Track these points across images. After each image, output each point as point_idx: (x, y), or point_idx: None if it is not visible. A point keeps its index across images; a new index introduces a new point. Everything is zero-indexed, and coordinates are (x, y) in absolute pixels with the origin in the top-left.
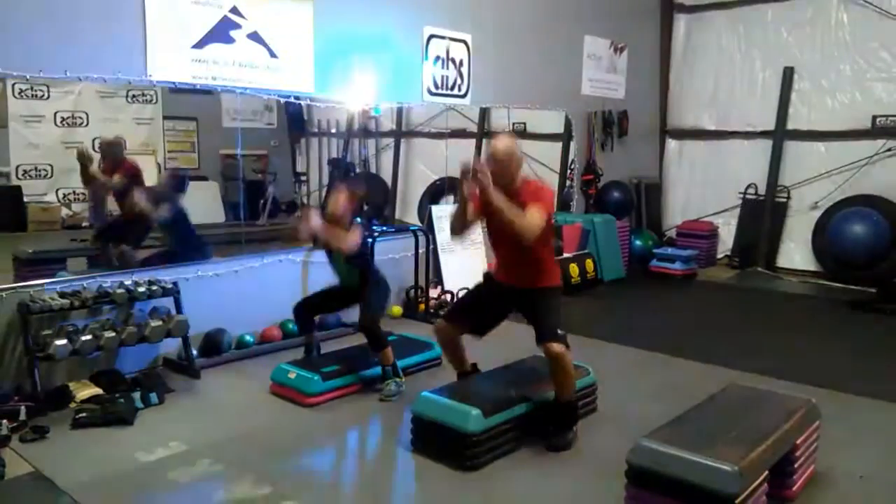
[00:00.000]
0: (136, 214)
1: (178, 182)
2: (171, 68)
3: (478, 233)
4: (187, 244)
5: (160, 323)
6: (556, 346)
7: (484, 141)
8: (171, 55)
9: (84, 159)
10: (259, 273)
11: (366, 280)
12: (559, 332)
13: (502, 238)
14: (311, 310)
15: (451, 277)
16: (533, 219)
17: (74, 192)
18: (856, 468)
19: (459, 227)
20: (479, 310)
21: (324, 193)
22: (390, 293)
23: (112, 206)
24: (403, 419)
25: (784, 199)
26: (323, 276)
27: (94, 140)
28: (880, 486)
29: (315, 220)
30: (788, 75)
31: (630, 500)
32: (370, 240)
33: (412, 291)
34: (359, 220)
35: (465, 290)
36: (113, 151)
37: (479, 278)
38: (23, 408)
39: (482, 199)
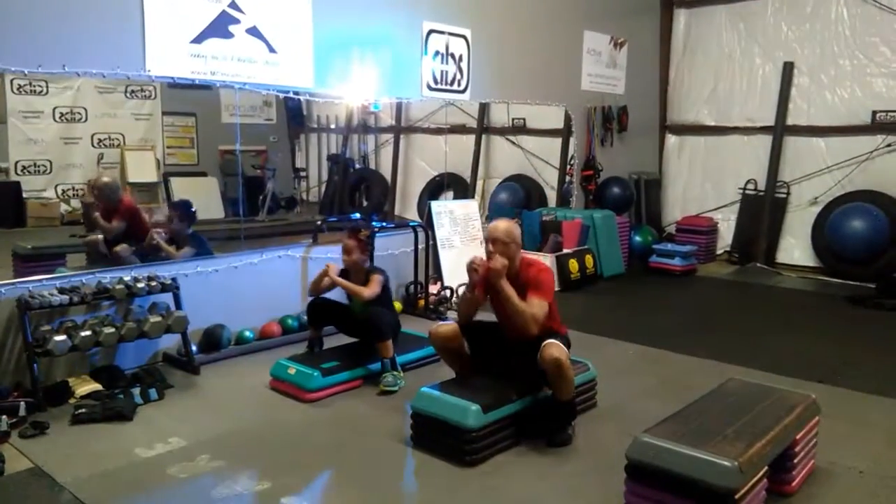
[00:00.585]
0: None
1: (187, 214)
2: (169, 63)
3: (477, 227)
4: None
5: (159, 319)
6: (556, 351)
7: (483, 137)
8: (169, 50)
9: (90, 207)
10: (258, 269)
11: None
12: (559, 342)
13: (507, 316)
14: (325, 313)
15: (450, 273)
16: (536, 312)
17: (73, 188)
18: (855, 463)
19: (468, 315)
20: (487, 349)
21: (323, 189)
22: (399, 326)
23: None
24: (403, 415)
25: (784, 195)
26: None
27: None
28: (880, 481)
29: (335, 276)
30: (788, 70)
31: (629, 495)
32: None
33: (412, 287)
34: (377, 267)
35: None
36: (107, 195)
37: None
38: (22, 403)
39: (490, 286)
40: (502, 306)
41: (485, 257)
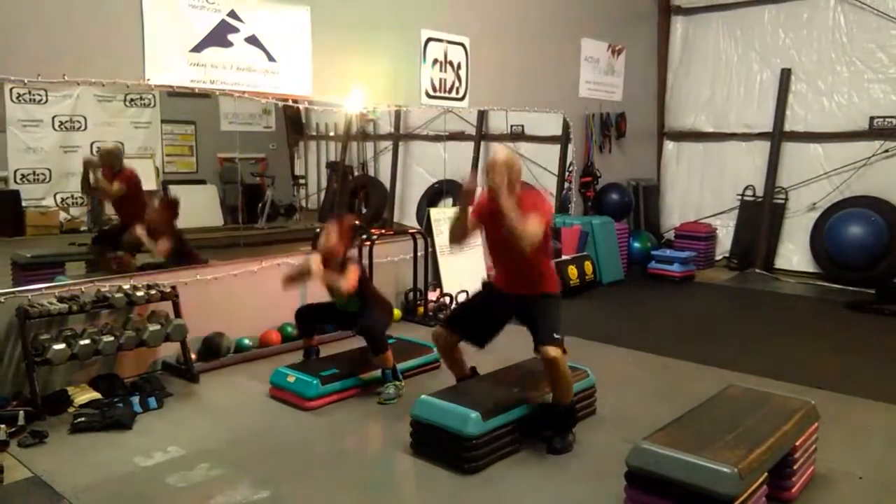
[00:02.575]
0: (134, 224)
1: (172, 206)
2: (168, 72)
3: (475, 234)
4: (181, 256)
5: (159, 327)
6: (552, 350)
7: (482, 144)
8: (168, 59)
9: (90, 167)
10: (257, 277)
11: (366, 304)
12: (556, 336)
13: (501, 247)
14: (313, 315)
15: (449, 280)
16: (533, 226)
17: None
18: (855, 469)
19: (459, 235)
20: (478, 317)
21: (322, 196)
22: (393, 314)
23: (110, 211)
24: (402, 422)
25: (782, 201)
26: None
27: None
28: (879, 488)
29: (314, 267)
30: (786, 77)
31: (629, 502)
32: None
33: (411, 294)
34: (354, 252)
35: (464, 293)
36: (111, 159)
37: (478, 283)
38: (21, 412)
39: (489, 204)
40: (498, 239)
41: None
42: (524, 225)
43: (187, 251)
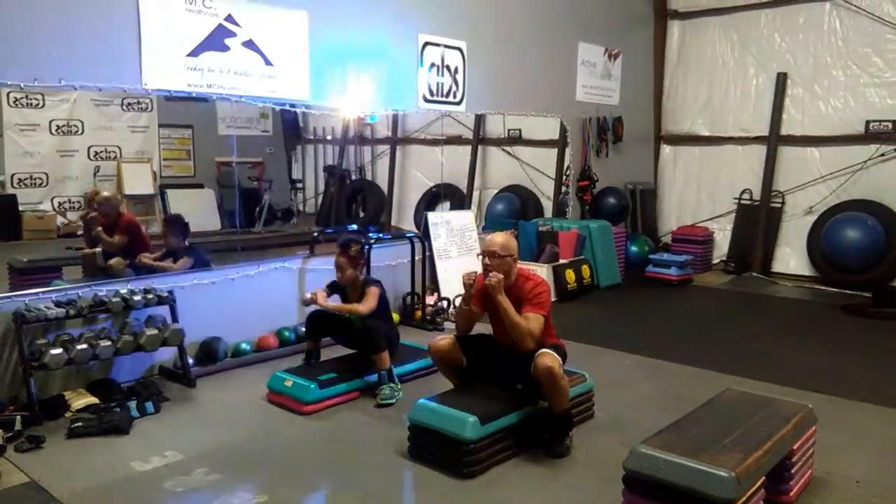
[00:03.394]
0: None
1: (181, 228)
2: (165, 76)
3: (473, 238)
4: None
5: (156, 332)
6: (548, 360)
7: (480, 148)
8: (165, 63)
9: (88, 223)
10: (255, 281)
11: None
12: (551, 350)
13: (503, 325)
14: (323, 324)
15: (447, 284)
16: (533, 326)
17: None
18: (852, 473)
19: (465, 328)
20: (485, 358)
21: (320, 200)
22: (398, 341)
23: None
24: (400, 426)
25: (779, 204)
26: (319, 283)
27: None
28: (877, 491)
29: (325, 301)
30: (782, 81)
31: None
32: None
33: (408, 298)
34: (370, 278)
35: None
36: (108, 209)
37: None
38: (18, 417)
39: (488, 301)
40: (499, 318)
41: (480, 271)
42: (524, 326)
43: (202, 259)
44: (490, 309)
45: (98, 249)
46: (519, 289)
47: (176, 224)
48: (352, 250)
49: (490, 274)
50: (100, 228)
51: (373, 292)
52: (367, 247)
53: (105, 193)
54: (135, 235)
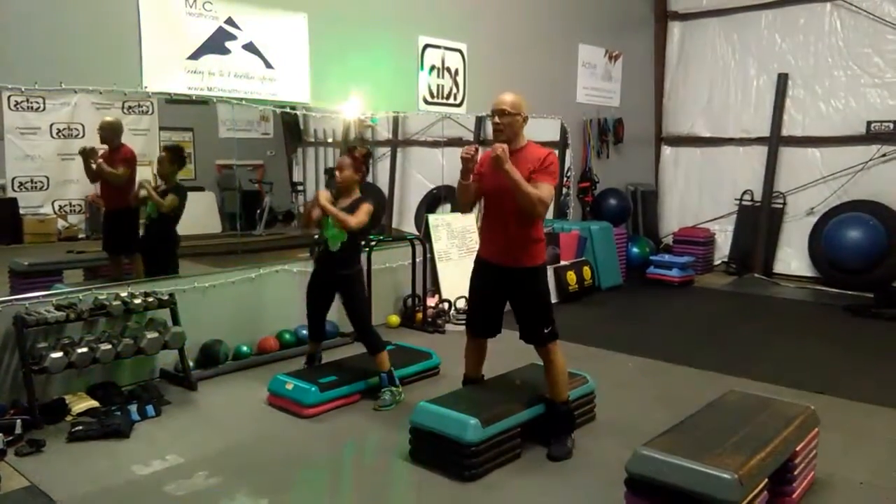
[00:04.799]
0: (129, 207)
1: (178, 157)
2: (166, 79)
3: (474, 240)
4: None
5: (157, 335)
6: (545, 338)
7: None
8: (166, 66)
9: (87, 155)
10: (256, 284)
11: (349, 253)
12: (548, 326)
13: (497, 212)
14: (318, 313)
15: (448, 286)
16: (544, 194)
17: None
18: (856, 475)
19: (464, 204)
20: (484, 311)
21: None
22: (364, 282)
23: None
24: (402, 429)
25: (780, 205)
26: None
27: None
28: (880, 493)
29: (327, 203)
30: (783, 82)
31: None
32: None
33: (409, 300)
34: (369, 194)
35: (462, 299)
36: (112, 135)
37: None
38: (19, 421)
39: (492, 175)
40: (498, 193)
41: (477, 147)
42: (532, 192)
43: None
44: (490, 182)
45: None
46: (529, 156)
47: (174, 151)
48: (356, 152)
49: (495, 145)
50: (100, 160)
51: (364, 209)
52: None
53: (107, 118)
54: (134, 169)
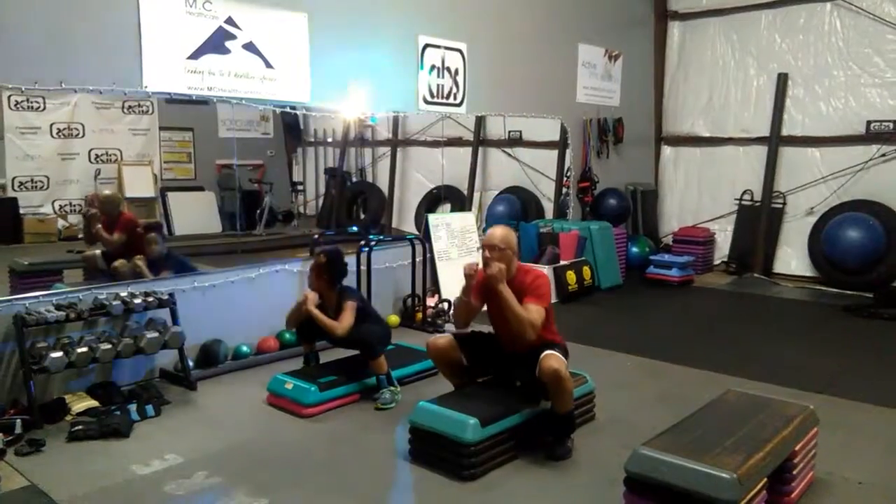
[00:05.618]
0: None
1: (163, 236)
2: (166, 79)
3: (474, 240)
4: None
5: (156, 334)
6: (554, 362)
7: (480, 149)
8: (166, 66)
9: (90, 219)
10: (255, 283)
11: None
12: (557, 351)
13: (503, 319)
14: (313, 329)
15: (447, 286)
16: (534, 317)
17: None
18: (854, 474)
19: (465, 320)
20: (484, 355)
21: (320, 202)
22: (389, 332)
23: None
24: (401, 429)
25: (780, 205)
26: None
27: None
28: (879, 492)
29: (312, 307)
30: (782, 81)
31: None
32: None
33: (409, 300)
34: (348, 291)
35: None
36: (110, 208)
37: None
38: (18, 421)
39: (489, 292)
40: (499, 313)
41: (481, 264)
42: (525, 316)
43: (183, 265)
44: (490, 302)
45: (97, 252)
46: (519, 282)
47: (157, 231)
48: (318, 259)
49: (492, 263)
50: (100, 226)
51: (350, 307)
52: (340, 262)
53: (107, 192)
54: (133, 235)
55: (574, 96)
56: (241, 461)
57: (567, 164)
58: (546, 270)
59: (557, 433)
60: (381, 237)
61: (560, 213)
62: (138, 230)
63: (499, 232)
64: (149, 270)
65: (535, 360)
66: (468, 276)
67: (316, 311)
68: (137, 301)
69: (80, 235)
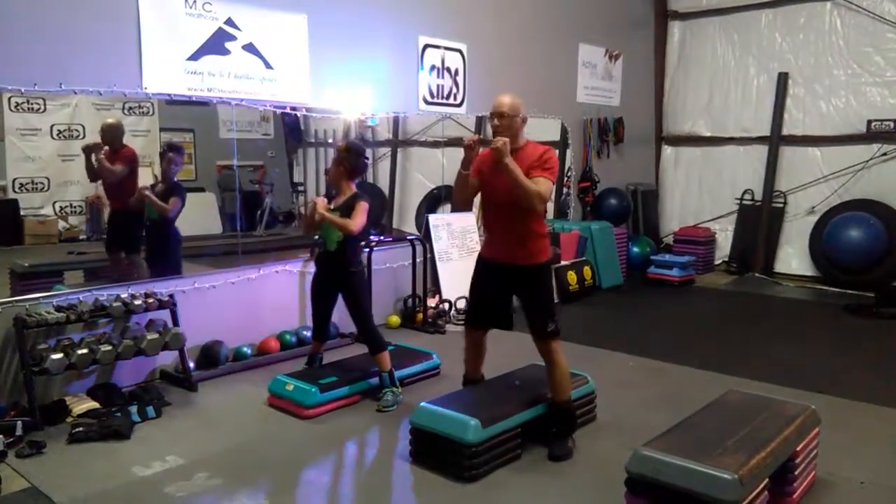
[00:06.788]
0: (131, 207)
1: (180, 157)
2: (166, 80)
3: (475, 240)
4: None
5: (157, 336)
6: (549, 341)
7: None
8: (166, 67)
9: (90, 151)
10: (256, 284)
11: (347, 252)
12: (550, 324)
13: (498, 210)
14: (322, 313)
15: (448, 286)
16: (542, 189)
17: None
18: (856, 474)
19: (461, 199)
20: (487, 304)
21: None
22: (366, 281)
23: (106, 205)
24: (402, 430)
25: (781, 205)
26: None
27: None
28: (881, 492)
29: (324, 210)
30: (783, 81)
31: None
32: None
33: (410, 301)
34: (361, 192)
35: (462, 300)
36: (113, 136)
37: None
38: (19, 423)
39: (491, 171)
40: (495, 195)
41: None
42: (532, 187)
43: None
44: (487, 187)
45: (101, 193)
46: (529, 154)
47: (176, 151)
48: (340, 146)
49: (496, 138)
50: (101, 156)
51: (362, 207)
52: (366, 162)
53: (109, 120)
54: (133, 169)
55: (574, 96)
56: (242, 463)
57: (568, 163)
58: None
59: (558, 432)
60: (382, 237)
61: (561, 213)
62: (137, 165)
63: (507, 99)
64: (158, 198)
65: (532, 277)
66: (468, 148)
67: (328, 215)
68: (138, 302)
69: (82, 236)
